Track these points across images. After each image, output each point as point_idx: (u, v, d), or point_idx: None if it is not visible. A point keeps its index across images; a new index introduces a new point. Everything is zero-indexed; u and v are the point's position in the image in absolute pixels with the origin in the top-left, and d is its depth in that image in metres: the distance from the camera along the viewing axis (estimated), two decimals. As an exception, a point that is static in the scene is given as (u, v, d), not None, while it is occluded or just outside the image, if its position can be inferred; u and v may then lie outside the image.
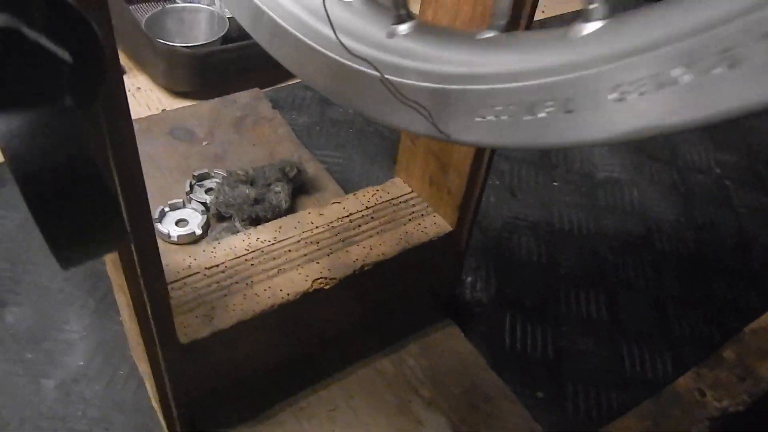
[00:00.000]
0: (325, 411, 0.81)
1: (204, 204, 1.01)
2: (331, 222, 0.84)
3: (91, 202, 0.27)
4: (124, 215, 0.29)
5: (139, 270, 0.57)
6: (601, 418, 0.86)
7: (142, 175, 0.49)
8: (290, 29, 0.46)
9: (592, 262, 1.08)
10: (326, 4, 0.37)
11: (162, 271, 0.60)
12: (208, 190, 1.04)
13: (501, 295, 1.00)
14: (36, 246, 0.94)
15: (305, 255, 0.79)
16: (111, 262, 0.66)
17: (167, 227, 0.96)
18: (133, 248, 0.55)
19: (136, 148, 0.47)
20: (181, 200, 1.01)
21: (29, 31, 0.24)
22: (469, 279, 1.02)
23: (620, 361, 0.93)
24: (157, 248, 0.58)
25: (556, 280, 1.04)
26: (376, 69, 0.35)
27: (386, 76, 0.35)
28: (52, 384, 0.79)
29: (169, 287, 0.72)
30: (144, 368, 0.76)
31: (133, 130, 0.45)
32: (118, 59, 0.41)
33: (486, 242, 1.09)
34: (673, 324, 1.00)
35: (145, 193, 0.52)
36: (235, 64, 1.26)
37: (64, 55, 0.25)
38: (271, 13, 0.48)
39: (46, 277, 0.90)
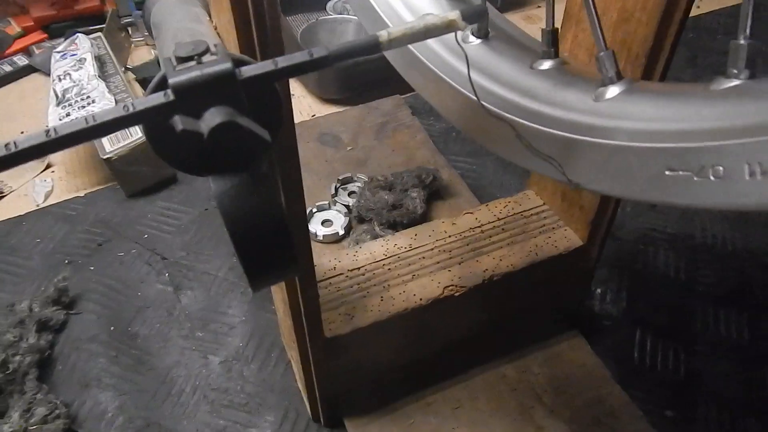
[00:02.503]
0: (449, 408, 0.87)
1: (347, 206, 1.10)
2: (463, 232, 0.89)
3: (278, 247, 0.35)
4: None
5: (298, 281, 0.66)
6: (734, 445, 0.84)
7: (303, 200, 0.57)
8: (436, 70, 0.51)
9: (736, 280, 1.03)
10: (468, 70, 0.42)
11: (314, 273, 0.69)
12: (350, 193, 1.14)
13: (632, 308, 0.99)
14: (207, 238, 1.09)
15: (438, 263, 0.85)
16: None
17: (314, 227, 1.06)
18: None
19: (301, 180, 0.55)
20: (326, 202, 1.11)
21: (243, 119, 0.32)
22: (599, 290, 1.02)
23: (761, 387, 0.89)
24: (312, 254, 0.66)
25: (694, 297, 1.01)
26: (513, 128, 0.39)
27: (521, 135, 0.39)
28: (217, 360, 0.92)
29: (317, 285, 0.81)
30: (292, 354, 0.87)
31: (299, 164, 0.53)
32: (292, 115, 0.49)
33: (619, 253, 1.08)
34: (827, 354, 0.93)
35: (304, 210, 0.60)
36: (378, 72, 1.33)
37: (265, 135, 0.32)
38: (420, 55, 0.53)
39: (214, 266, 1.05)
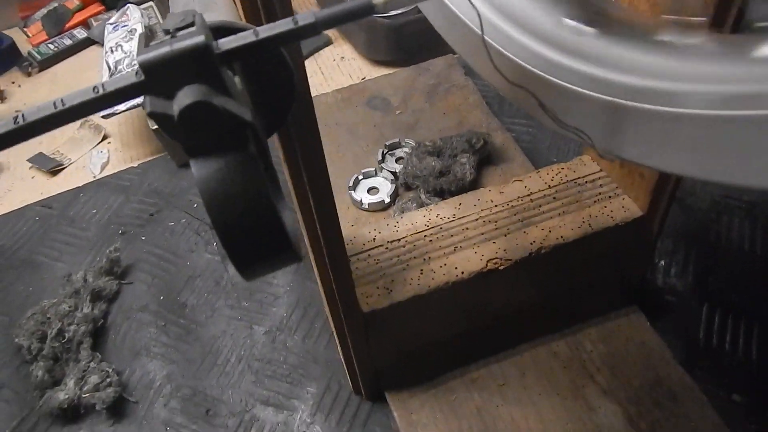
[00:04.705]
0: (495, 384, 0.84)
1: (393, 173, 1.07)
2: (511, 201, 0.84)
3: (268, 234, 0.32)
4: (297, 242, 0.33)
5: (326, 257, 0.64)
6: (810, 434, 0.77)
7: (328, 181, 0.54)
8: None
9: (822, 253, 0.93)
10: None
11: (344, 248, 0.66)
12: (398, 159, 1.10)
13: (699, 283, 0.92)
14: (253, 207, 1.09)
15: (482, 234, 0.80)
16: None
17: (360, 195, 1.04)
18: (318, 230, 0.62)
19: (323, 156, 0.52)
20: (373, 169, 1.08)
21: (219, 99, 0.29)
22: (663, 263, 0.95)
23: None
24: (340, 229, 0.64)
25: (771, 271, 0.92)
26: (535, 96, 0.35)
27: (545, 103, 0.34)
28: (262, 330, 0.92)
29: (355, 258, 0.79)
30: (332, 327, 0.85)
31: (320, 141, 0.50)
32: (308, 86, 0.46)
33: (687, 222, 1.00)
34: None
35: (329, 184, 0.57)
36: (430, 31, 1.27)
37: (246, 115, 0.30)
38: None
39: (260, 236, 1.04)
